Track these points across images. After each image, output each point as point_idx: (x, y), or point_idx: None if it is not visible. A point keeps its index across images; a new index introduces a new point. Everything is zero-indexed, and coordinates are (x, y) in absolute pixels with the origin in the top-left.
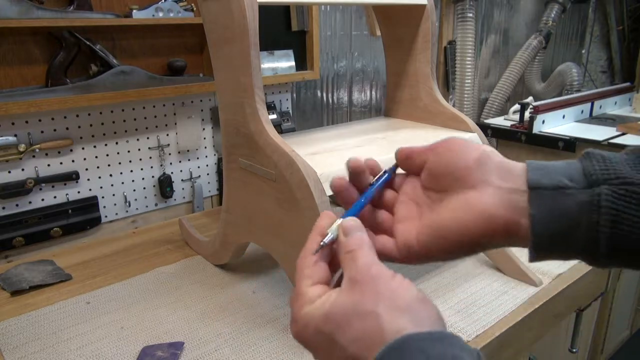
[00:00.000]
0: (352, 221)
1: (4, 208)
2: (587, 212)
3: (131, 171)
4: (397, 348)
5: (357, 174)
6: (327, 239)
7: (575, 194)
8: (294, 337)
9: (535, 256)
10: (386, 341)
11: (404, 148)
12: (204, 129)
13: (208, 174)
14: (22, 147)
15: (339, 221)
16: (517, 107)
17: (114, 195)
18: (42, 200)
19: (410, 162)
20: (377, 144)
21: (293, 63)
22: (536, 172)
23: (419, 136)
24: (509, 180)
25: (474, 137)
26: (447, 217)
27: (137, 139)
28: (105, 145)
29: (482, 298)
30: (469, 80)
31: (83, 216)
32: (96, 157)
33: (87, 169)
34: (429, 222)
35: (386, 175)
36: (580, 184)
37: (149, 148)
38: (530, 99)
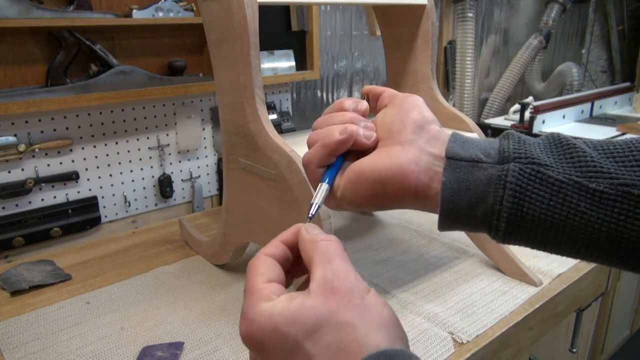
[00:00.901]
0: (313, 224)
1: (3, 208)
2: (494, 186)
3: (131, 171)
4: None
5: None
6: (314, 209)
7: (486, 167)
8: (243, 337)
9: (442, 224)
10: (363, 354)
11: (368, 87)
12: (204, 129)
13: (208, 174)
14: (21, 147)
15: (325, 186)
16: (517, 107)
17: (113, 195)
18: (42, 200)
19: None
20: None
21: (293, 63)
22: (456, 144)
23: None
24: (434, 146)
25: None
26: (366, 162)
27: (137, 139)
28: (105, 145)
29: (482, 298)
30: (469, 80)
31: (83, 216)
32: (96, 157)
33: (87, 169)
34: (352, 169)
35: None
36: (494, 160)
37: (149, 148)
38: (530, 98)
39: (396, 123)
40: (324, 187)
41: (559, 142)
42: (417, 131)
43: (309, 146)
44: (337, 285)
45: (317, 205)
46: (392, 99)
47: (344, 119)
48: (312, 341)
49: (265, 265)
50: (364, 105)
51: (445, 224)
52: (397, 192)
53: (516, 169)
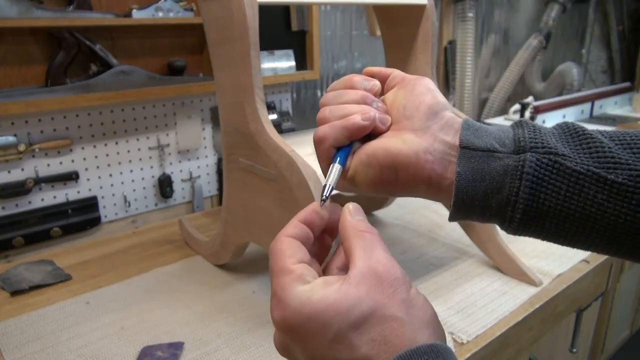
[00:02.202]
0: (357, 205)
1: (3, 208)
2: (511, 177)
3: (131, 171)
4: (423, 353)
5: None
6: (327, 191)
7: (502, 157)
8: (277, 322)
9: (454, 214)
10: (409, 347)
11: (370, 68)
12: (204, 129)
13: (208, 174)
14: (21, 147)
15: (338, 167)
16: (517, 107)
17: (113, 195)
18: (42, 200)
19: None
20: None
21: (293, 63)
22: (470, 132)
23: None
24: (448, 134)
25: None
26: (380, 146)
27: (137, 139)
28: (105, 145)
29: (482, 298)
30: (469, 80)
31: (83, 216)
32: (96, 157)
33: (86, 169)
34: (364, 150)
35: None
36: (509, 149)
37: (149, 148)
38: (530, 98)
39: (409, 107)
40: (336, 168)
41: (574, 132)
42: (430, 117)
43: (322, 122)
44: (382, 276)
45: (331, 187)
46: (402, 81)
47: (356, 97)
48: (357, 332)
49: (290, 247)
50: (376, 85)
51: (457, 214)
52: (409, 180)
53: (533, 159)
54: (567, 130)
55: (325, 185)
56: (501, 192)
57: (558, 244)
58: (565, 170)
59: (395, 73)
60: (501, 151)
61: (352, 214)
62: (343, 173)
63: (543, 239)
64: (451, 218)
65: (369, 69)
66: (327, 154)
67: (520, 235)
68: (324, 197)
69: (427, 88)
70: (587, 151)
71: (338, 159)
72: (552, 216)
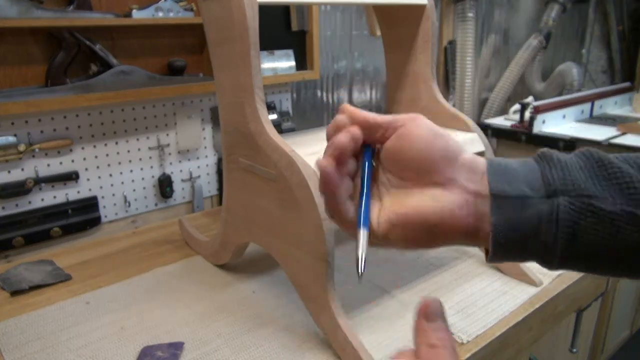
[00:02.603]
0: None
1: (3, 208)
2: (546, 223)
3: (131, 171)
4: None
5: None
6: (362, 265)
7: (535, 204)
8: None
9: (492, 259)
10: None
11: (349, 112)
12: (204, 129)
13: (208, 174)
14: (21, 147)
15: (364, 232)
16: (517, 107)
17: (113, 195)
18: (42, 200)
19: (369, 133)
20: None
21: (293, 63)
22: (497, 177)
23: None
24: (474, 180)
25: (474, 137)
26: (410, 207)
27: (137, 139)
28: (105, 145)
29: (482, 298)
30: (469, 80)
31: (83, 216)
32: (96, 157)
33: (87, 169)
34: (392, 209)
35: (368, 155)
36: (540, 193)
37: (149, 148)
38: (530, 98)
39: (423, 162)
40: (363, 234)
41: (601, 164)
42: (450, 166)
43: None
44: None
45: (364, 258)
46: (396, 129)
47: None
48: None
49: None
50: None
51: (495, 260)
52: (445, 236)
53: (566, 203)
54: (593, 162)
55: (358, 258)
56: (538, 238)
57: (589, 273)
58: (599, 213)
59: (381, 121)
60: (533, 197)
61: (428, 319)
62: (372, 232)
63: (578, 271)
64: (489, 262)
65: (345, 111)
66: (345, 216)
67: (561, 270)
68: (360, 272)
69: (428, 132)
70: (618, 188)
71: (361, 220)
72: (588, 256)
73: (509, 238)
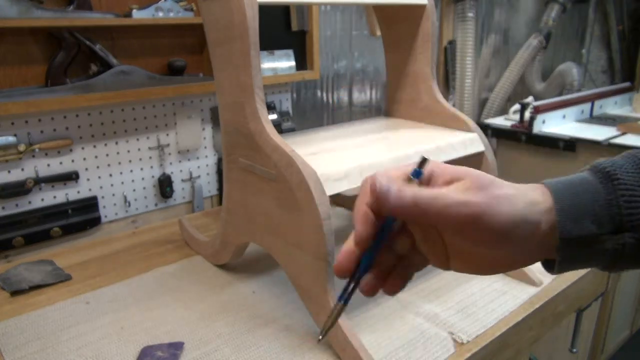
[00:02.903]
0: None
1: (3, 208)
2: (611, 256)
3: (131, 171)
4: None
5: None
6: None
7: (603, 241)
8: None
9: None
10: None
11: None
12: (204, 129)
13: (208, 174)
14: (21, 147)
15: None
16: (517, 107)
17: (113, 195)
18: (42, 200)
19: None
20: (377, 144)
21: (293, 63)
22: (565, 217)
23: (419, 136)
24: (538, 235)
25: (474, 137)
26: (486, 264)
27: (137, 139)
28: (105, 145)
29: (482, 298)
30: (469, 80)
31: (83, 216)
32: (96, 157)
33: (87, 169)
34: (464, 262)
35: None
36: (607, 229)
37: (149, 148)
38: (530, 98)
39: (492, 234)
40: (338, 307)
41: None
42: (519, 232)
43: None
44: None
45: (326, 330)
46: (447, 179)
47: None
48: None
49: None
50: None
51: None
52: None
53: (632, 241)
54: None
55: (324, 328)
56: (601, 263)
57: None
58: None
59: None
60: (600, 234)
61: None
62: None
63: None
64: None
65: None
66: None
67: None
68: (320, 337)
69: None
70: None
71: (341, 295)
72: None
73: (573, 267)
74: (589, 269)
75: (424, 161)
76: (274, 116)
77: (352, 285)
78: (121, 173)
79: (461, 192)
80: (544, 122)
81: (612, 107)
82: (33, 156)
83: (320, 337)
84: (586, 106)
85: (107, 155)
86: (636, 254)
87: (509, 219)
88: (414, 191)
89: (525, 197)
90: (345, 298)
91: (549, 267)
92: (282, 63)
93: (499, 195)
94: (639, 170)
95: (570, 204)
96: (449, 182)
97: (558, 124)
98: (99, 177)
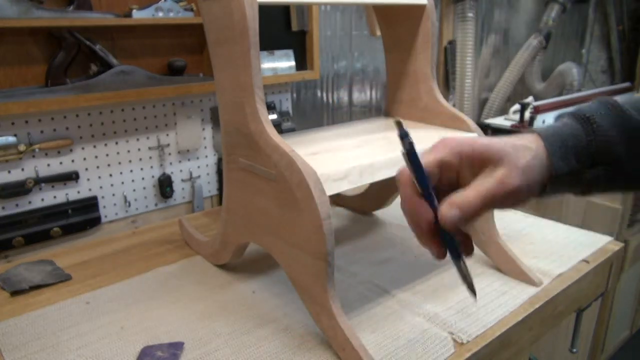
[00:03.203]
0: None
1: (3, 208)
2: (588, 184)
3: (131, 171)
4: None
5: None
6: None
7: (583, 173)
8: None
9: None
10: None
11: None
12: (204, 129)
13: (208, 174)
14: (21, 147)
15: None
16: (517, 107)
17: (114, 195)
18: (42, 200)
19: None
20: (377, 144)
21: (293, 63)
22: (556, 158)
23: (418, 136)
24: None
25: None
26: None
27: (137, 139)
28: (105, 145)
29: (482, 298)
30: (469, 80)
31: (83, 216)
32: (96, 157)
33: (87, 169)
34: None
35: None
36: (587, 164)
37: (149, 148)
38: (530, 98)
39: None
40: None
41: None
42: (517, 152)
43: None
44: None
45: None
46: (467, 159)
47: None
48: None
49: None
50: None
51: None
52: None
53: (604, 172)
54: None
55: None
56: (580, 191)
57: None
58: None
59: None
60: (581, 169)
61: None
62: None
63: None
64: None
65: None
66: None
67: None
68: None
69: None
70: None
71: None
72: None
73: (557, 193)
74: (588, 270)
75: (399, 124)
76: (274, 116)
77: (455, 241)
78: (121, 173)
79: (501, 177)
80: (544, 122)
81: None
82: (33, 156)
83: (475, 298)
84: None
85: (107, 155)
86: (606, 182)
87: (532, 180)
88: (473, 195)
89: (536, 158)
90: (458, 254)
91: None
92: (282, 63)
93: (523, 168)
94: (610, 114)
95: (559, 146)
96: (481, 166)
97: None
98: (99, 177)
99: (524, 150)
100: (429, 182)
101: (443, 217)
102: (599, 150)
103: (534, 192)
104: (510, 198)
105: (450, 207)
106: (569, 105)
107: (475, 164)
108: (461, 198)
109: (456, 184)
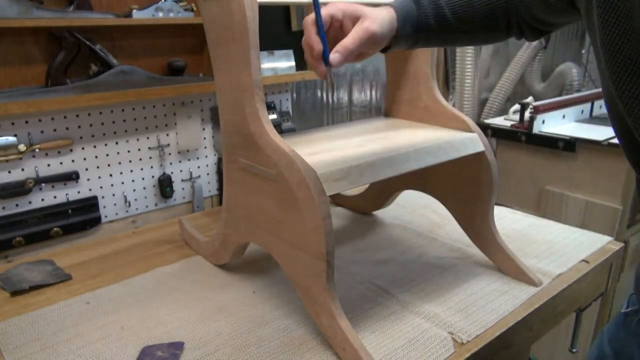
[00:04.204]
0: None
1: (4, 208)
2: (414, 41)
3: (131, 171)
4: None
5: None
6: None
7: (413, 35)
8: None
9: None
10: None
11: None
12: (204, 129)
13: (208, 174)
14: (22, 147)
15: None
16: (517, 107)
17: (114, 195)
18: (42, 200)
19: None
20: (378, 144)
21: (293, 63)
22: (401, 24)
23: (419, 136)
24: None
25: (474, 137)
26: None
27: (137, 139)
28: (105, 145)
29: (482, 298)
30: (469, 80)
31: (83, 216)
32: (96, 157)
33: (87, 169)
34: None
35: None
36: (415, 30)
37: (149, 148)
38: (530, 98)
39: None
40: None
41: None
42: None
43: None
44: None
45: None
46: (348, 17)
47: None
48: None
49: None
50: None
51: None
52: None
53: (424, 35)
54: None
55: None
56: (409, 46)
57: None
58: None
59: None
60: (413, 32)
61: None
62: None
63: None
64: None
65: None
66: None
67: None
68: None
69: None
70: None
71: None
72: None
73: (396, 47)
74: (588, 270)
75: None
76: (274, 116)
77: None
78: (121, 173)
79: (366, 25)
80: (543, 122)
81: None
82: (33, 156)
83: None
84: (586, 106)
85: (107, 155)
86: (425, 42)
87: (385, 30)
88: (349, 41)
89: (387, 18)
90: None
91: (383, 50)
92: (282, 63)
93: (381, 21)
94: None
95: (403, 17)
96: (355, 20)
97: (558, 124)
98: (99, 177)
99: (381, 11)
100: (322, 25)
101: (331, 60)
102: (421, 21)
103: (385, 41)
104: (371, 40)
105: (334, 53)
106: (569, 105)
107: (353, 18)
108: (341, 45)
109: (342, 36)
